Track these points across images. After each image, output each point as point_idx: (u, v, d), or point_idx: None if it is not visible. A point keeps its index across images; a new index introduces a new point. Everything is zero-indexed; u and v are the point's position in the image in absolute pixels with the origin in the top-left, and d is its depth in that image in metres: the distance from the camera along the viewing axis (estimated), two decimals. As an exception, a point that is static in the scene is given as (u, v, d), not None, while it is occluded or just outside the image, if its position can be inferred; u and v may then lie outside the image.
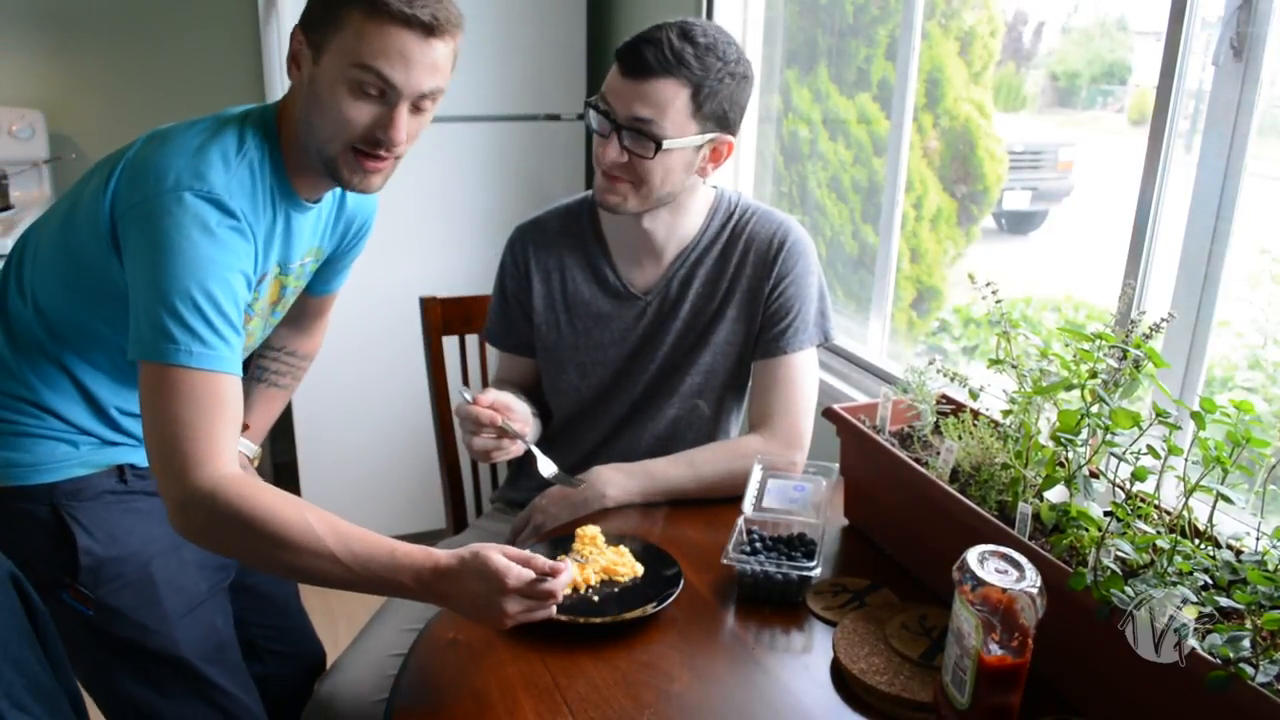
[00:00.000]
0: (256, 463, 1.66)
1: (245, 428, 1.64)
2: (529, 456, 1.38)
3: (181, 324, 1.10)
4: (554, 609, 1.08)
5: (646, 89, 1.36)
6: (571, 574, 1.10)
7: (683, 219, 1.51)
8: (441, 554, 1.07)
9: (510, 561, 1.04)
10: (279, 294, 1.39)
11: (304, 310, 1.65)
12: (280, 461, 3.30)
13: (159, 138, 1.21)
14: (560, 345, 1.56)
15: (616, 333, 1.55)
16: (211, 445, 1.08)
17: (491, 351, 1.75)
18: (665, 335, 1.55)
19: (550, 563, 1.06)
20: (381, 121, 1.20)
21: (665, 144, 1.37)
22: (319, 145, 1.23)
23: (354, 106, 1.18)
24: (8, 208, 2.68)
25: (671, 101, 1.36)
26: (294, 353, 1.69)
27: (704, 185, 1.51)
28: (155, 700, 1.36)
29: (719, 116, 1.40)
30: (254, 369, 1.70)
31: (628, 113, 1.37)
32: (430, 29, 1.16)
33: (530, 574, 1.05)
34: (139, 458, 1.35)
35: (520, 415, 1.37)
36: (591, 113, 1.41)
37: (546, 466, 1.36)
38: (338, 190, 1.39)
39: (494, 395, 1.34)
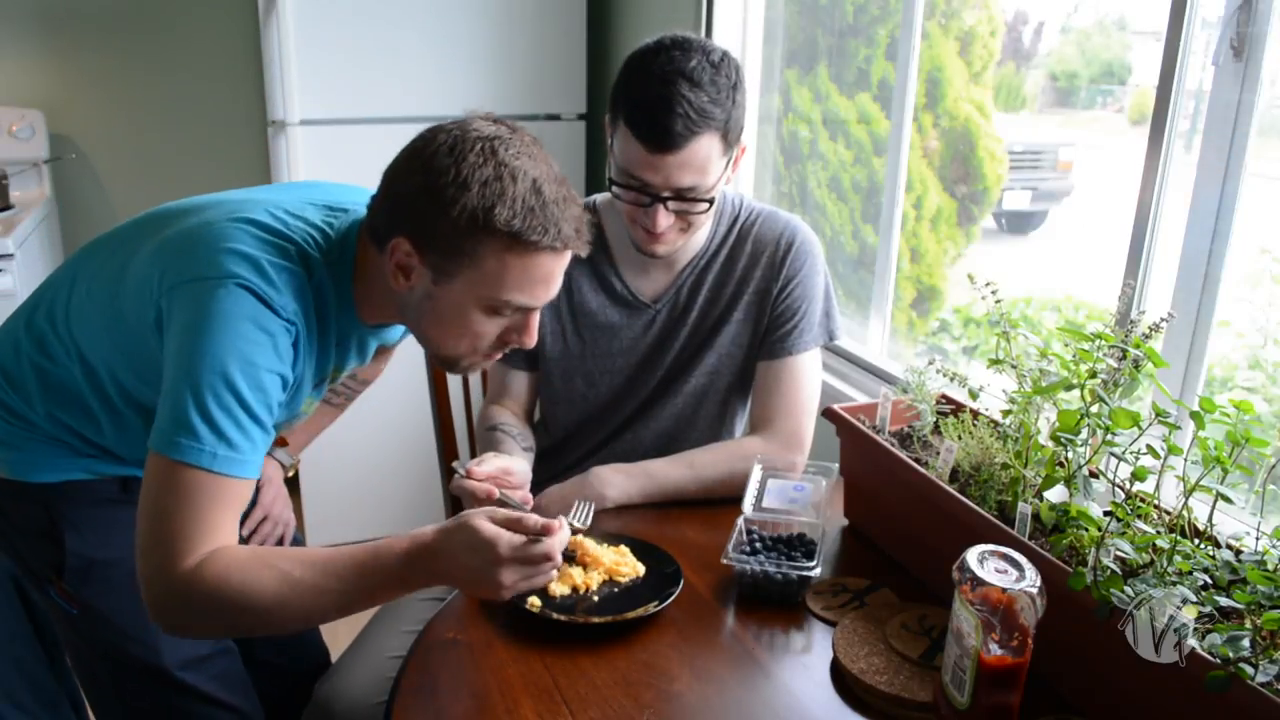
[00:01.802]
0: (290, 473, 1.65)
1: (283, 442, 1.63)
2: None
3: (207, 420, 1.02)
4: (554, 574, 1.05)
5: (683, 158, 1.32)
6: (567, 534, 1.05)
7: (696, 231, 1.49)
8: (425, 531, 1.04)
9: (499, 529, 1.02)
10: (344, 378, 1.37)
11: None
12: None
13: (225, 215, 1.13)
14: (567, 356, 1.55)
15: (625, 342, 1.54)
16: (199, 539, 1.01)
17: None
18: (673, 342, 1.54)
19: (541, 520, 1.03)
20: (517, 327, 1.17)
21: (714, 194, 1.37)
22: (433, 346, 1.18)
23: (489, 324, 1.14)
24: (8, 208, 2.68)
25: (710, 156, 1.33)
26: (354, 376, 1.65)
27: None
28: (136, 703, 1.34)
29: (739, 134, 1.39)
30: None
31: (668, 184, 1.34)
32: (569, 246, 1.11)
33: (520, 539, 1.02)
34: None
35: (519, 475, 1.31)
36: (619, 189, 1.37)
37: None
38: None
39: (490, 464, 1.26)
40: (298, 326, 1.10)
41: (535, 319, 1.17)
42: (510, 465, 1.29)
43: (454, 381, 1.95)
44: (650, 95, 1.31)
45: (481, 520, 1.02)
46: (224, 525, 1.03)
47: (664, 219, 1.36)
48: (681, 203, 1.36)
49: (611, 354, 1.54)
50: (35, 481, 1.26)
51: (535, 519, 1.04)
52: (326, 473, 2.89)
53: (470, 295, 1.10)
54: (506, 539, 1.01)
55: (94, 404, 1.22)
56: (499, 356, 1.22)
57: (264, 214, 1.14)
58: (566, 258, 1.13)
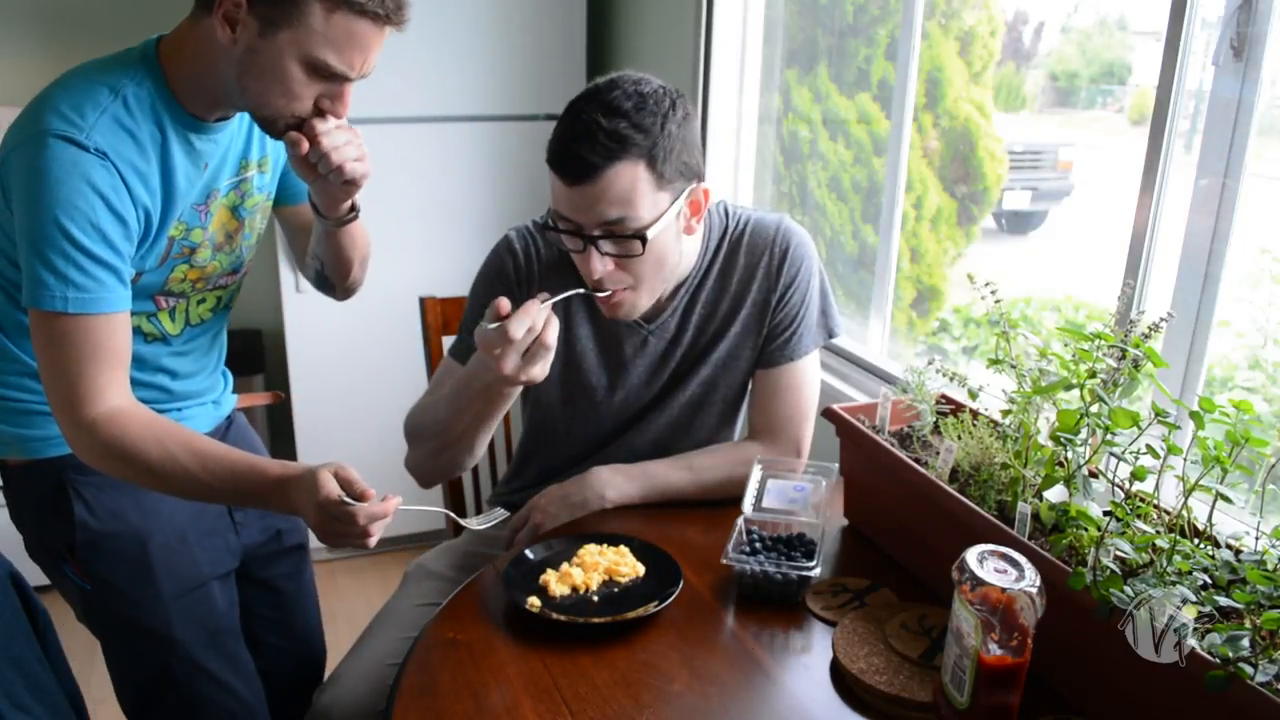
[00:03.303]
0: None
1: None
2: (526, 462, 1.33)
3: (51, 269, 1.13)
4: (371, 542, 1.13)
5: (601, 188, 1.25)
6: (390, 510, 1.12)
7: (649, 283, 1.40)
8: (296, 466, 1.15)
9: (331, 483, 1.10)
10: (233, 217, 1.35)
11: (301, 227, 1.55)
12: (280, 462, 3.30)
13: (52, 83, 1.23)
14: (553, 365, 1.51)
15: (617, 362, 1.51)
16: (88, 387, 1.15)
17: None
18: (669, 361, 1.51)
19: (365, 488, 1.10)
20: (329, 95, 1.22)
21: (650, 233, 1.28)
22: (252, 103, 1.21)
23: (307, 85, 1.19)
24: (8, 208, 2.68)
25: (633, 186, 1.25)
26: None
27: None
28: (150, 679, 1.39)
29: (683, 170, 1.31)
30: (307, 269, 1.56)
31: (593, 220, 1.27)
32: (390, 20, 1.18)
33: (336, 495, 1.09)
34: None
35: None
36: (553, 233, 1.33)
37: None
38: None
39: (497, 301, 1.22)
40: (116, 154, 1.17)
41: (348, 92, 1.23)
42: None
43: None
44: (565, 128, 1.28)
45: (325, 472, 1.12)
46: (96, 369, 1.16)
47: (598, 263, 1.30)
48: (613, 243, 1.30)
49: (600, 371, 1.51)
50: (49, 456, 1.32)
51: (365, 487, 1.11)
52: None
53: (292, 51, 1.16)
54: (325, 491, 1.10)
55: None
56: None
57: (93, 64, 1.25)
58: (384, 34, 1.20)
